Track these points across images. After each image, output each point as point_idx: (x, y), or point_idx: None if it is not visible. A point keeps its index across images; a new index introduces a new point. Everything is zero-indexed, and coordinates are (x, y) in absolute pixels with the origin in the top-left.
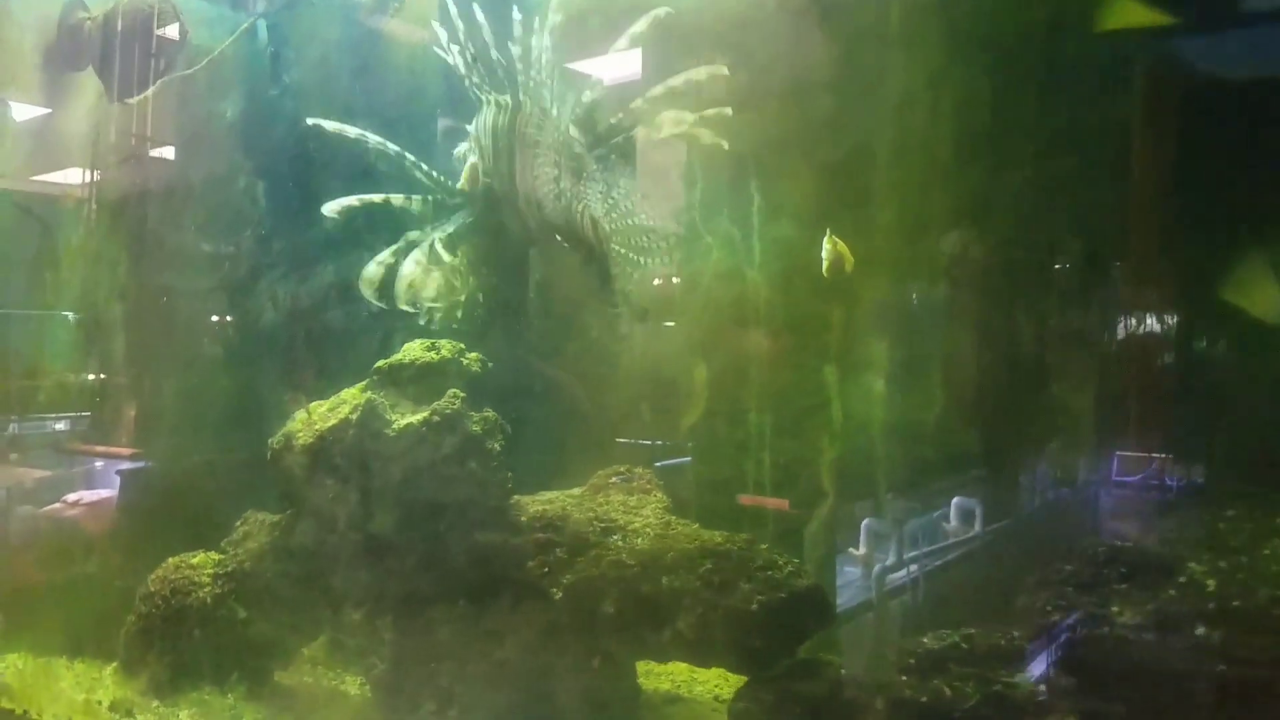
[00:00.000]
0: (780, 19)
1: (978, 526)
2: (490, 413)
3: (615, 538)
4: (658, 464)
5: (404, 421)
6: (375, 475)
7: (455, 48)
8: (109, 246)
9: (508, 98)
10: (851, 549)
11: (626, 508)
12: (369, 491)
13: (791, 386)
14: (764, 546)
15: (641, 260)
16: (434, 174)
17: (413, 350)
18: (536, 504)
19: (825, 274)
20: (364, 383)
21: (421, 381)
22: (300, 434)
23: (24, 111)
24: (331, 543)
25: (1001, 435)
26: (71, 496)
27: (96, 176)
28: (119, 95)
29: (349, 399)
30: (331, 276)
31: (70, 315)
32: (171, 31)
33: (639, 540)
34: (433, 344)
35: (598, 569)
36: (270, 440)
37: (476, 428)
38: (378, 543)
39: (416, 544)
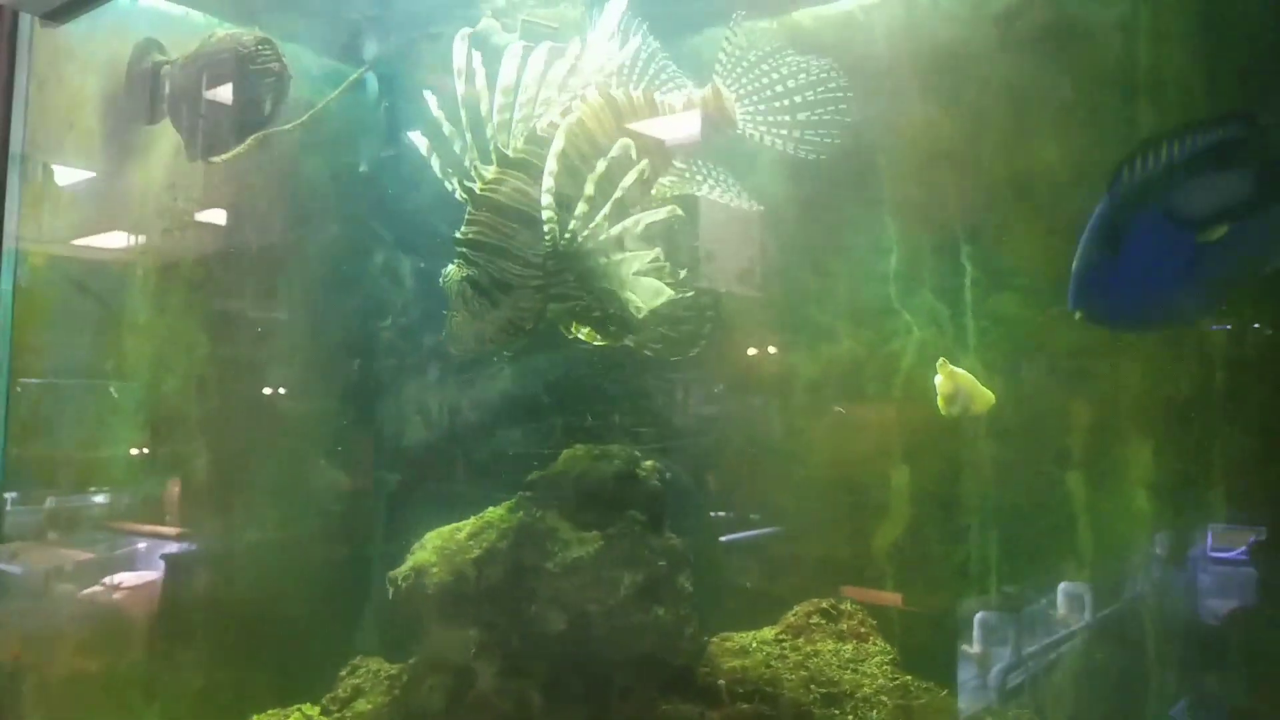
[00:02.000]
0: (1000, 54)
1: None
2: (675, 540)
3: (844, 711)
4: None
5: (573, 554)
6: (532, 622)
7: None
8: (184, 325)
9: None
10: (965, 646)
11: (842, 660)
12: (523, 643)
13: (1024, 499)
14: None
15: None
16: None
17: (578, 460)
18: (729, 656)
19: (944, 412)
20: (511, 501)
21: (588, 499)
22: (435, 568)
23: (82, 170)
24: (471, 706)
25: None
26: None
27: (170, 245)
28: (202, 153)
29: (495, 522)
30: (508, 384)
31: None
32: (269, 78)
33: (875, 715)
34: (602, 451)
35: None
36: (392, 574)
37: (662, 561)
38: (532, 710)
39: (583, 713)
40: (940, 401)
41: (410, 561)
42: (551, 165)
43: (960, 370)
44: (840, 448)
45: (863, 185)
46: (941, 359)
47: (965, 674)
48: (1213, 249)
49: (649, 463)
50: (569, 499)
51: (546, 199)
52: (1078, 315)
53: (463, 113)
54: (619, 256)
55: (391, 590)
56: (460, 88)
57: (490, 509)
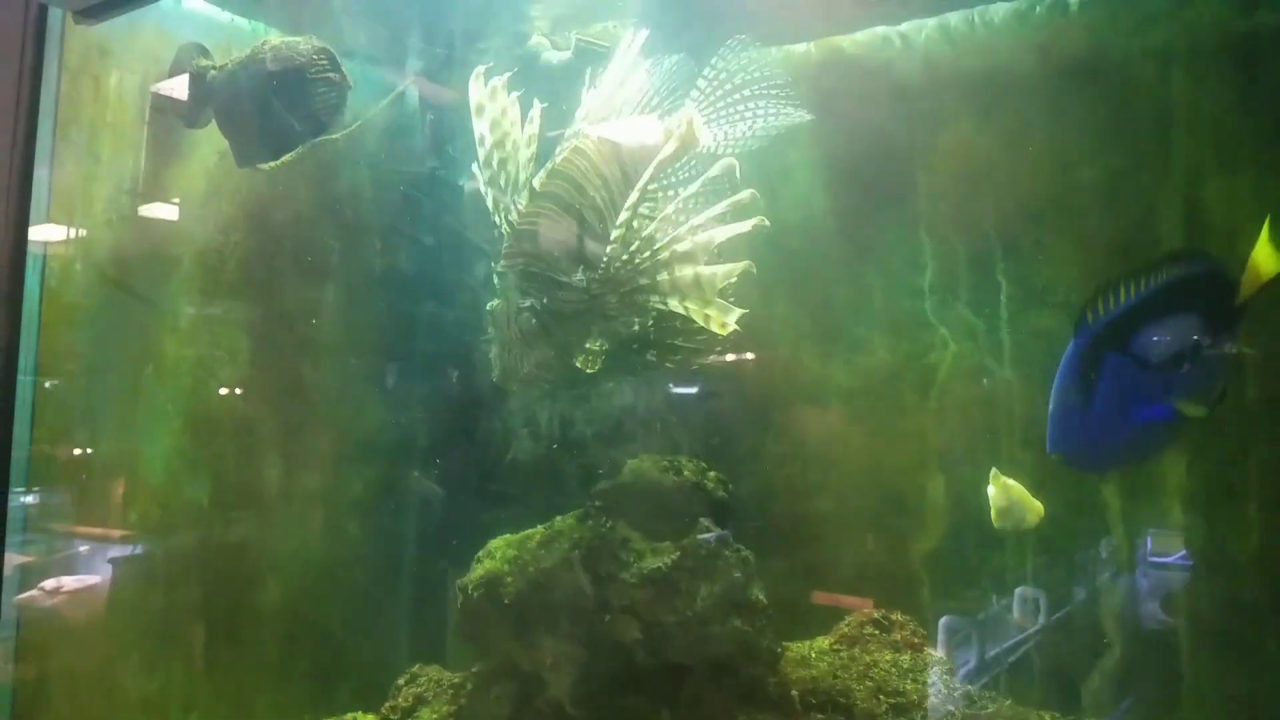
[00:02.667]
0: (1036, 77)
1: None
2: (746, 551)
3: None
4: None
5: (649, 564)
6: (608, 632)
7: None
8: (228, 335)
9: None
10: (929, 649)
11: (901, 670)
12: (597, 652)
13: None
14: None
15: None
16: None
17: (645, 471)
18: (792, 666)
19: (996, 525)
20: (579, 511)
21: (659, 509)
22: (508, 576)
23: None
24: (538, 715)
25: None
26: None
27: (219, 251)
28: (249, 159)
29: (566, 531)
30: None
31: None
32: (325, 87)
33: None
34: (670, 462)
35: None
36: (462, 582)
37: (738, 572)
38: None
39: None
40: (994, 515)
41: (480, 569)
42: (650, 172)
43: (1012, 482)
44: (873, 453)
45: (900, 201)
46: (994, 470)
47: None
48: (1176, 388)
49: (714, 473)
50: (638, 509)
51: (624, 215)
52: (1056, 458)
53: (494, 151)
54: (692, 270)
55: (461, 598)
56: (483, 124)
57: (558, 518)
